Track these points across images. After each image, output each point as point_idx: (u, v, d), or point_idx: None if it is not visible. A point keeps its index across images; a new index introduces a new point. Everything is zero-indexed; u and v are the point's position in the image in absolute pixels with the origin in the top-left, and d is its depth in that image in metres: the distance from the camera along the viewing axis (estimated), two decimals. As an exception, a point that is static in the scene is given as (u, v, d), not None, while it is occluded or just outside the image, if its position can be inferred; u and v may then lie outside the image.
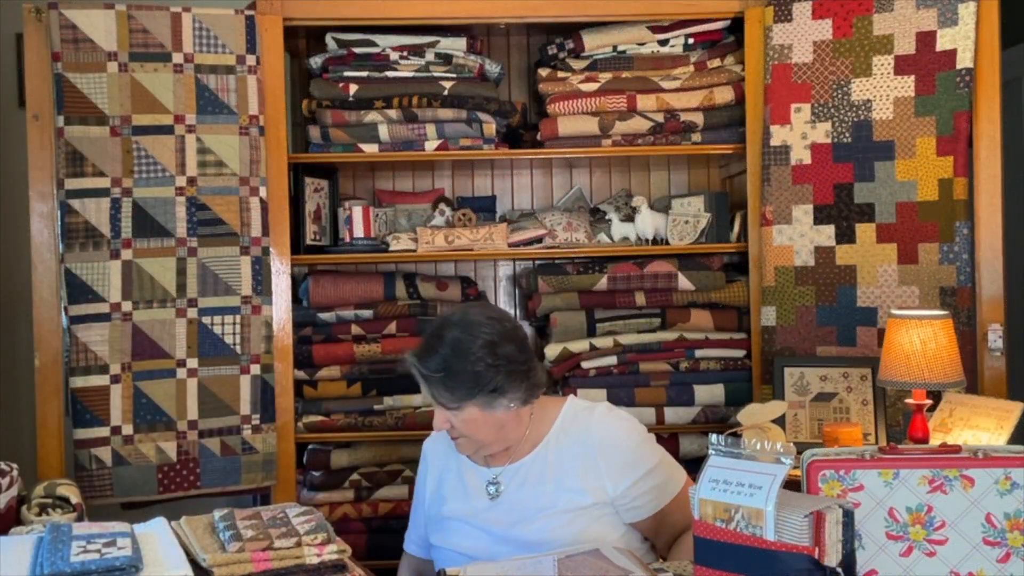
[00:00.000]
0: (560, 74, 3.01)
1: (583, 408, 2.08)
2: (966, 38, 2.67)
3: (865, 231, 2.78)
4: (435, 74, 2.95)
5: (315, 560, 1.56)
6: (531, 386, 2.00)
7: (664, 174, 3.41)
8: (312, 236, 3.02)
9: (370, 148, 2.93)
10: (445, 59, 2.96)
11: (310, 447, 3.01)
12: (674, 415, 2.93)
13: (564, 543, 1.91)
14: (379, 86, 2.92)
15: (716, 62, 3.00)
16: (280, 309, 2.82)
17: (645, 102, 2.95)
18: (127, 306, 2.68)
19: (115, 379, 2.67)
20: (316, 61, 2.97)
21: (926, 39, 2.72)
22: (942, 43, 2.70)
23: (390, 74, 2.95)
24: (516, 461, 2.05)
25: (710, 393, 2.95)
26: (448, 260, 3.26)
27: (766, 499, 1.43)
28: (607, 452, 2.00)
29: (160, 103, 2.71)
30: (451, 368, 1.93)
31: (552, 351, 2.96)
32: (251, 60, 2.77)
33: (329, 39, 2.99)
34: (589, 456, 2.00)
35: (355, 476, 2.98)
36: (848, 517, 1.45)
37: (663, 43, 3.00)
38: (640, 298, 2.97)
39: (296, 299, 2.98)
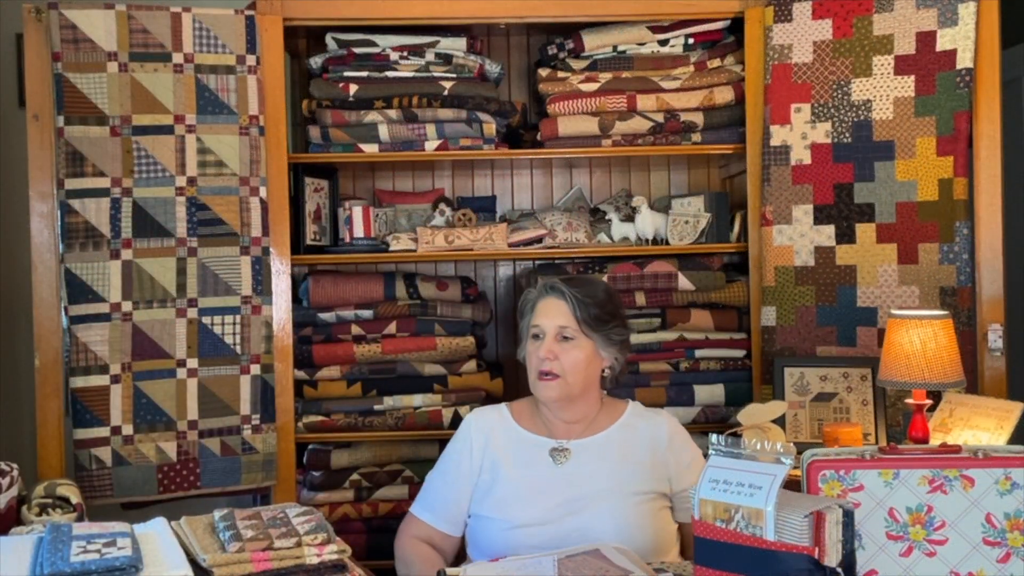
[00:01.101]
0: (560, 74, 3.01)
1: (647, 409, 2.30)
2: (966, 38, 2.67)
3: (865, 231, 2.78)
4: (435, 74, 2.95)
5: (315, 560, 1.56)
6: (621, 358, 2.23)
7: (664, 174, 3.41)
8: (312, 236, 3.02)
9: (370, 148, 2.93)
10: (445, 59, 2.96)
11: (310, 447, 3.01)
12: (674, 415, 2.92)
13: (627, 526, 2.05)
14: (379, 86, 2.92)
15: (716, 62, 3.00)
16: (280, 309, 2.82)
17: (645, 102, 2.95)
18: (127, 306, 2.68)
19: (115, 379, 2.67)
20: (316, 61, 2.97)
21: (926, 39, 2.72)
22: (942, 43, 2.70)
23: (390, 74, 2.94)
24: (590, 436, 2.19)
25: (710, 393, 2.95)
26: (448, 260, 3.26)
27: (766, 499, 1.43)
28: (676, 450, 2.19)
29: (160, 103, 2.71)
30: (600, 297, 2.19)
31: (552, 351, 2.96)
32: (251, 60, 2.77)
33: (329, 39, 2.99)
34: (659, 450, 2.18)
35: (355, 476, 2.98)
36: (848, 517, 1.45)
37: (663, 43, 3.00)
38: (640, 298, 2.97)
39: (296, 299, 2.97)
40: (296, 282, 3.03)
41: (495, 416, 2.26)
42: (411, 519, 2.26)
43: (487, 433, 2.22)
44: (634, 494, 2.11)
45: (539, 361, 2.15)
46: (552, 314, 2.17)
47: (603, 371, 2.22)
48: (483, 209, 3.22)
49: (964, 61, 2.66)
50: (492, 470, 2.17)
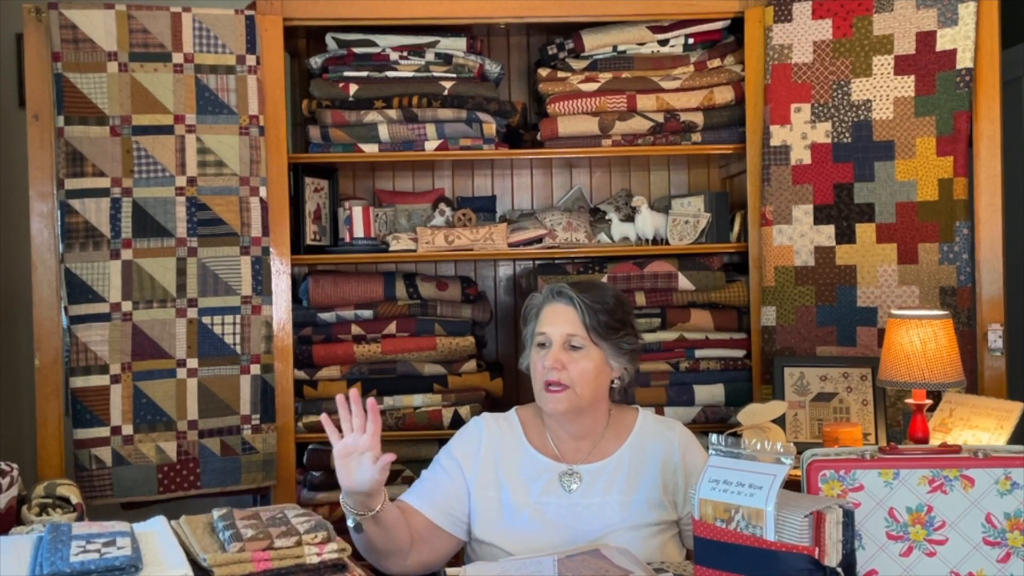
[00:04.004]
0: (560, 74, 3.01)
1: (659, 420, 2.16)
2: (966, 38, 2.67)
3: (865, 231, 2.78)
4: (435, 74, 2.95)
5: (315, 559, 1.56)
6: (631, 368, 2.11)
7: (664, 174, 3.41)
8: (312, 236, 3.03)
9: (370, 148, 2.93)
10: (445, 59, 2.96)
11: (310, 447, 3.01)
12: (674, 415, 2.93)
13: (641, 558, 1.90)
14: (379, 86, 2.92)
15: (716, 62, 3.00)
16: (280, 309, 2.82)
17: (645, 102, 2.95)
18: (127, 306, 2.68)
19: (115, 379, 2.67)
20: (316, 61, 2.97)
21: (926, 39, 2.72)
22: (942, 43, 2.70)
23: (390, 74, 2.95)
24: (599, 460, 2.07)
25: (710, 393, 2.95)
26: (448, 260, 3.26)
27: (766, 499, 1.43)
28: (690, 472, 2.05)
29: (160, 103, 2.71)
30: (609, 304, 2.05)
31: (552, 351, 2.96)
32: (251, 60, 2.77)
33: (329, 39, 2.99)
34: (669, 470, 2.06)
35: (355, 476, 2.97)
36: (848, 517, 1.45)
37: (663, 43, 3.00)
38: (640, 298, 2.97)
39: (296, 299, 2.97)
40: (296, 282, 3.03)
41: (506, 427, 2.13)
42: (394, 502, 2.07)
43: (499, 447, 2.09)
44: (644, 526, 2.01)
45: (545, 371, 2.01)
46: (559, 321, 2.03)
47: (612, 381, 2.10)
48: (483, 209, 3.22)
49: (964, 61, 2.66)
50: (497, 487, 2.06)
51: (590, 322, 2.02)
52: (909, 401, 2.38)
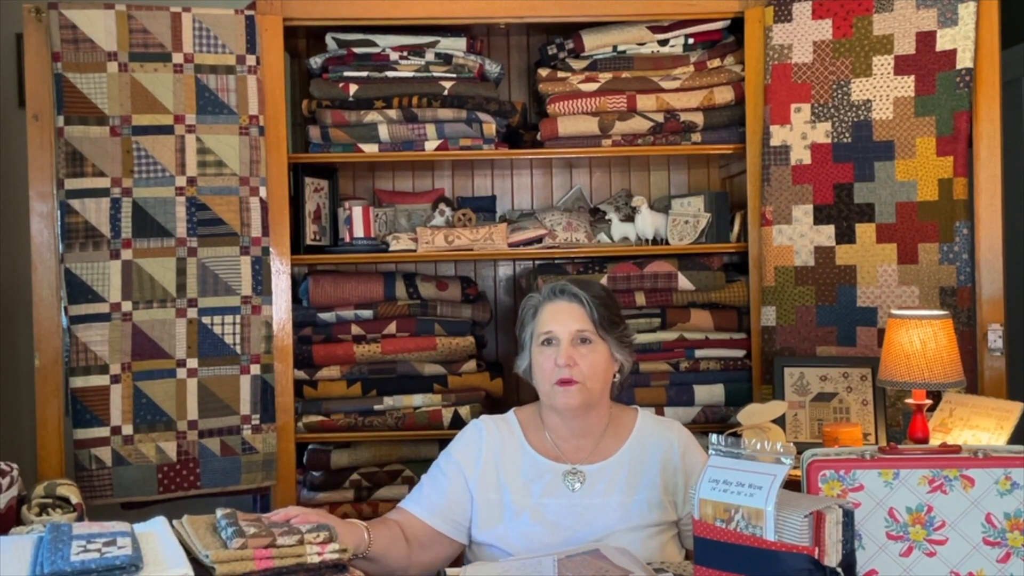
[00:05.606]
0: (560, 74, 3.01)
1: (658, 421, 2.17)
2: (966, 38, 2.67)
3: (865, 231, 2.78)
4: (435, 74, 2.95)
5: (316, 559, 1.56)
6: (629, 362, 2.12)
7: (664, 174, 3.41)
8: (312, 236, 3.03)
9: (370, 148, 2.93)
10: (445, 59, 2.96)
11: (310, 447, 3.02)
12: (674, 415, 2.93)
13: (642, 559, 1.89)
14: (379, 86, 2.92)
15: (716, 62, 3.00)
16: (280, 309, 2.82)
17: (645, 102, 2.95)
18: (127, 306, 2.68)
19: (115, 379, 2.67)
20: (316, 61, 2.97)
21: (926, 39, 2.72)
22: (942, 43, 2.70)
23: (390, 74, 2.95)
24: (601, 460, 2.07)
25: (710, 393, 2.95)
26: (448, 260, 3.26)
27: (766, 499, 1.43)
28: (690, 472, 2.06)
29: (160, 103, 2.71)
30: (607, 299, 2.10)
31: (552, 351, 2.96)
32: (251, 60, 2.77)
33: (329, 39, 2.99)
34: (669, 470, 2.06)
35: (355, 476, 2.98)
36: (848, 517, 1.45)
37: (663, 43, 3.00)
38: (640, 298, 2.97)
39: (296, 299, 2.98)
40: (296, 282, 3.03)
41: (506, 429, 2.12)
42: (394, 510, 2.09)
43: (499, 449, 2.08)
44: (644, 527, 2.01)
45: (555, 369, 2.01)
46: (564, 319, 2.04)
47: (613, 376, 2.11)
48: (483, 209, 3.22)
49: (964, 61, 2.66)
50: (499, 489, 2.06)
51: (596, 316, 2.04)
52: (909, 401, 2.39)
